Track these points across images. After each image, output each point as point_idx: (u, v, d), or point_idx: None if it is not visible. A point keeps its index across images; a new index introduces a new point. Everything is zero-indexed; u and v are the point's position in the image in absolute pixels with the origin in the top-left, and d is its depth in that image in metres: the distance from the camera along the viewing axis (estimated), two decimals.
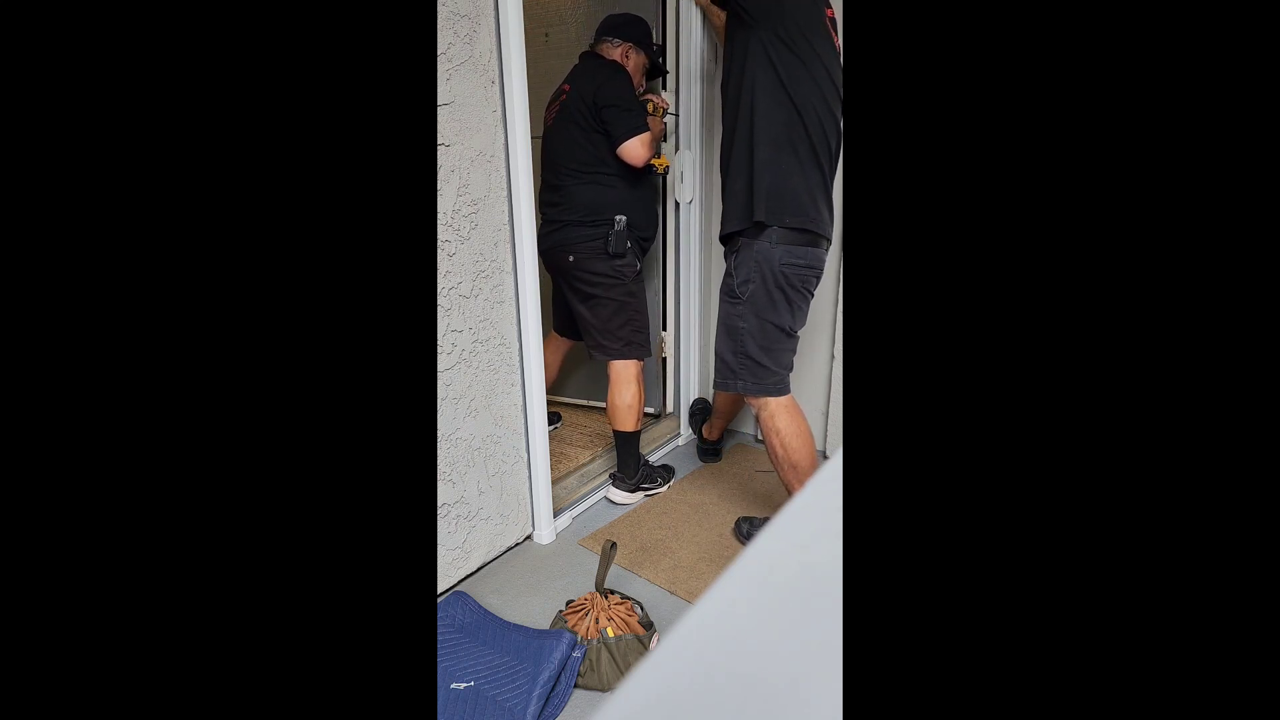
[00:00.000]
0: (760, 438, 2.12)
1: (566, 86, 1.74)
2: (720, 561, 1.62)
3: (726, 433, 2.28)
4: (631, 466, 1.91)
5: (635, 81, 1.80)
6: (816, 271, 1.52)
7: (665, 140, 2.03)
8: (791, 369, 1.59)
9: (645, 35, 1.80)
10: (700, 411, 2.28)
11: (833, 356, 2.07)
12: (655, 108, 1.83)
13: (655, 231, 1.90)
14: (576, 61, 1.82)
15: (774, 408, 1.55)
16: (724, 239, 1.58)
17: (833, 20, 1.49)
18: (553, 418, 2.32)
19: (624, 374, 1.83)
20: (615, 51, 1.78)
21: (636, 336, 1.83)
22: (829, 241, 1.52)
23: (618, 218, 1.72)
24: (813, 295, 1.56)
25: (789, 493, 1.64)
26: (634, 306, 1.81)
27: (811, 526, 0.30)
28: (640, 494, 1.94)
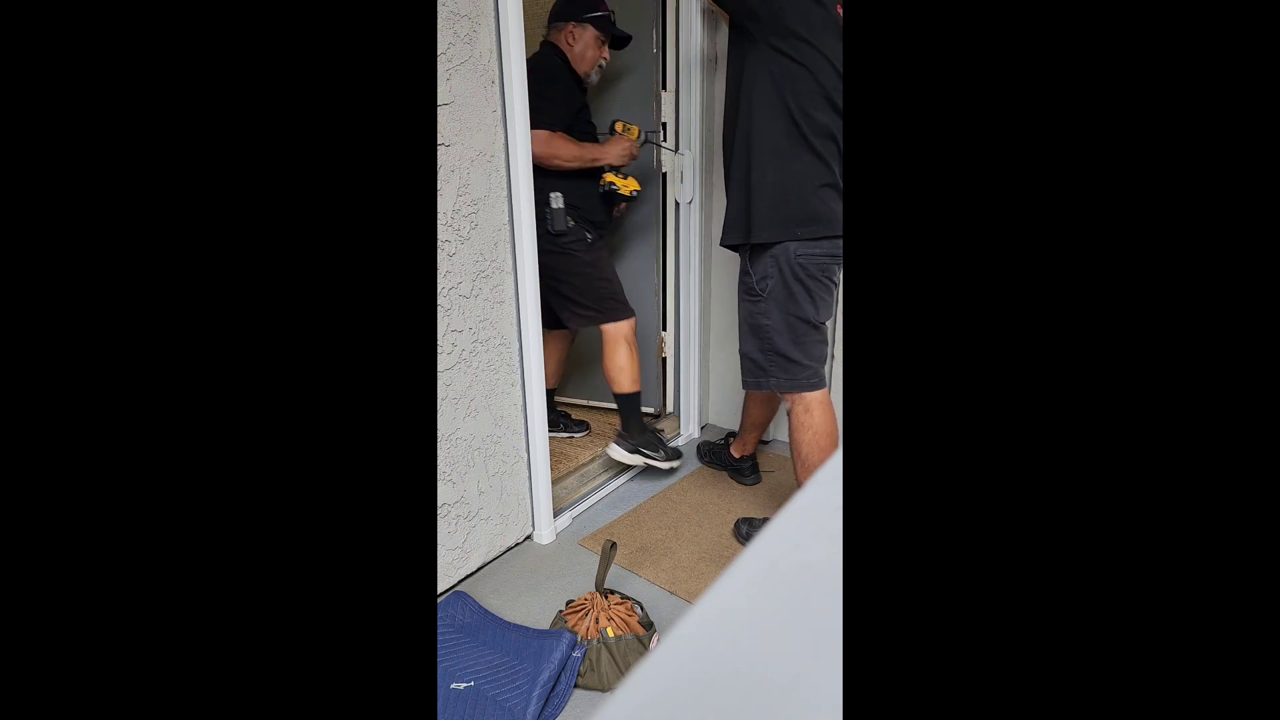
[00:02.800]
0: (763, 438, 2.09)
1: None
2: (720, 561, 1.62)
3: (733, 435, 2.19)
4: (634, 427, 1.91)
5: (590, 57, 1.78)
6: (837, 259, 1.47)
7: (629, 164, 1.85)
8: (824, 361, 1.54)
9: (584, 7, 1.78)
10: (709, 452, 2.15)
11: (832, 356, 2.07)
12: (625, 127, 1.81)
13: (606, 220, 1.87)
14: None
15: (809, 401, 1.51)
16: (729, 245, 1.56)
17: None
18: (580, 425, 2.27)
19: (613, 335, 1.83)
20: (561, 37, 1.78)
21: (609, 301, 1.82)
22: None
23: (552, 195, 1.69)
24: (836, 284, 1.51)
25: None
26: (596, 274, 1.80)
27: (811, 526, 0.30)
28: (639, 457, 1.93)
